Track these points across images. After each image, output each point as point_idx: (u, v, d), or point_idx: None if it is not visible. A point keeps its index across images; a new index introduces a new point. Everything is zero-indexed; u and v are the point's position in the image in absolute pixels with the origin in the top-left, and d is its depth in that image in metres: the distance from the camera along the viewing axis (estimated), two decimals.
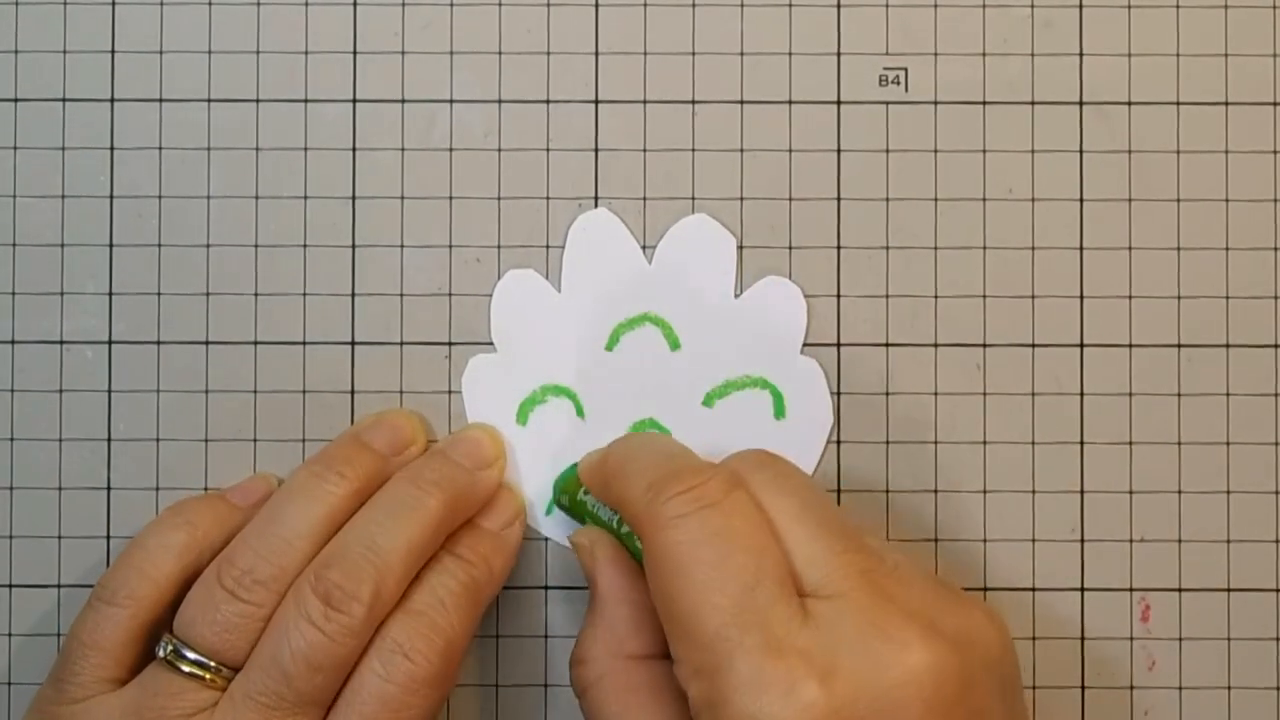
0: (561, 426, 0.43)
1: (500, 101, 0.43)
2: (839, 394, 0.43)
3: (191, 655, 0.38)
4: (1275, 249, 0.43)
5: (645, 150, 0.43)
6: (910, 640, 0.34)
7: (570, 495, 0.41)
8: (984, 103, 0.43)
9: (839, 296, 0.43)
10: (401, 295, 0.43)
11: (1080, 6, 0.43)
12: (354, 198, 0.43)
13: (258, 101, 0.43)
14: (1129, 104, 0.43)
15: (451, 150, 0.43)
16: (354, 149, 0.43)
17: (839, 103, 0.43)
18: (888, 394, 0.43)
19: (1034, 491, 0.42)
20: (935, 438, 0.43)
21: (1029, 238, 0.43)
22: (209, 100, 0.43)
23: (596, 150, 0.43)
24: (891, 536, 0.42)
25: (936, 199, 0.43)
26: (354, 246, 0.43)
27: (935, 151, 0.43)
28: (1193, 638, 0.42)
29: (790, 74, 0.43)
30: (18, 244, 0.43)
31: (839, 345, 0.43)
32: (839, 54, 0.43)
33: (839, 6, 0.43)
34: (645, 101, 0.43)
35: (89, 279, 0.43)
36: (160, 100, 0.43)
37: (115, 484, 0.43)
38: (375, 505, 0.39)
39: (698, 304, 0.43)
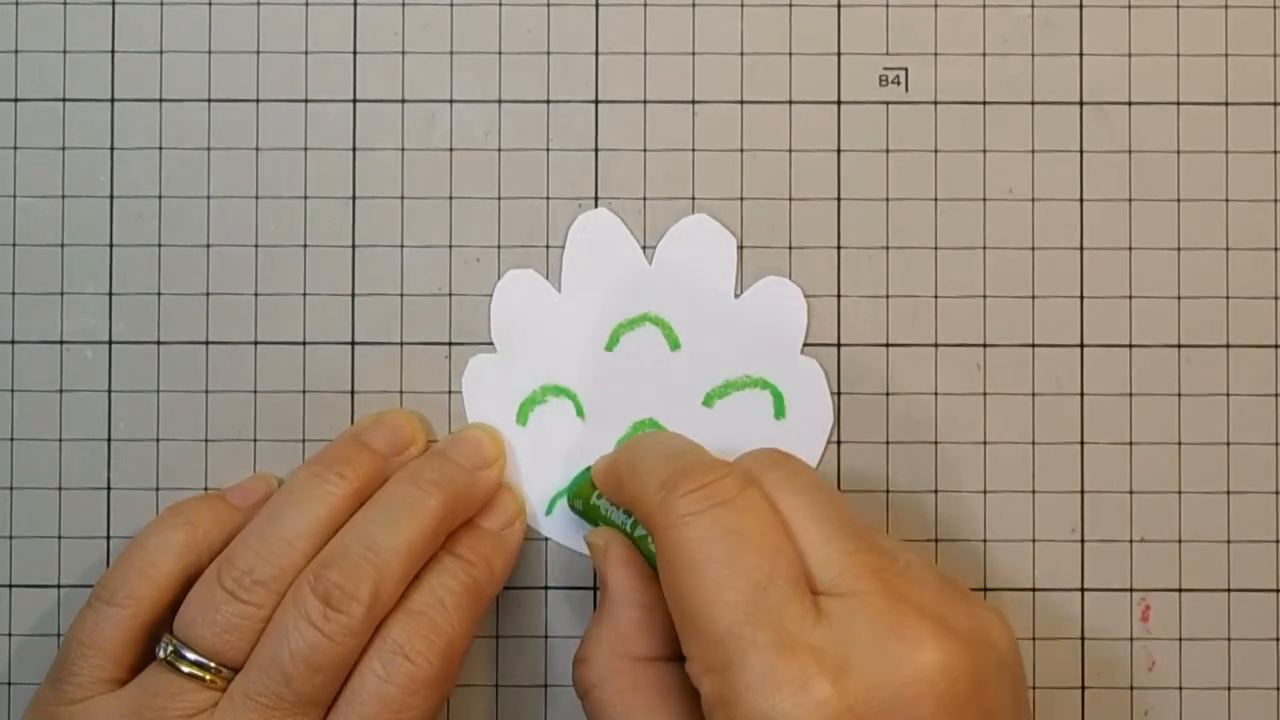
0: (561, 426, 0.43)
1: (500, 101, 0.43)
2: (839, 394, 0.43)
3: (191, 656, 0.38)
4: (1275, 249, 0.43)
5: (645, 150, 0.43)
6: (923, 639, 0.34)
7: (584, 499, 0.41)
8: (984, 103, 0.43)
9: (839, 296, 0.43)
10: (401, 295, 0.43)
11: (1080, 6, 0.43)
12: (354, 198, 0.43)
13: (258, 101, 0.43)
14: (1129, 104, 0.43)
15: (451, 150, 0.43)
16: (354, 149, 0.43)
17: (839, 103, 0.43)
18: (888, 394, 0.43)
19: (1034, 491, 0.42)
20: (935, 438, 0.43)
21: (1029, 238, 0.43)
22: (209, 100, 0.43)
23: (596, 150, 0.43)
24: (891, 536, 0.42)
25: (936, 199, 0.43)
26: (354, 246, 0.43)
27: (935, 151, 0.43)
28: (1193, 638, 0.42)
29: (790, 74, 0.43)
30: (18, 244, 0.43)
31: (839, 345, 0.43)
32: (839, 54, 0.43)
33: (839, 6, 0.43)
34: (645, 101, 0.43)
35: (89, 279, 0.43)
36: (160, 100, 0.43)
37: (115, 484, 0.43)
38: (375, 505, 0.39)
39: (698, 304, 0.43)
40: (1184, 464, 0.42)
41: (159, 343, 0.43)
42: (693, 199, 0.43)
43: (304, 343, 0.43)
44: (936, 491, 0.42)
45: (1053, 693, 0.42)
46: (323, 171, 0.43)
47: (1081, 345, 0.43)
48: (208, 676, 0.38)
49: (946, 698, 0.34)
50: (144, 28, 0.43)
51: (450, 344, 0.43)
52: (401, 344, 0.43)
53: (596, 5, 0.43)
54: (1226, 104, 0.43)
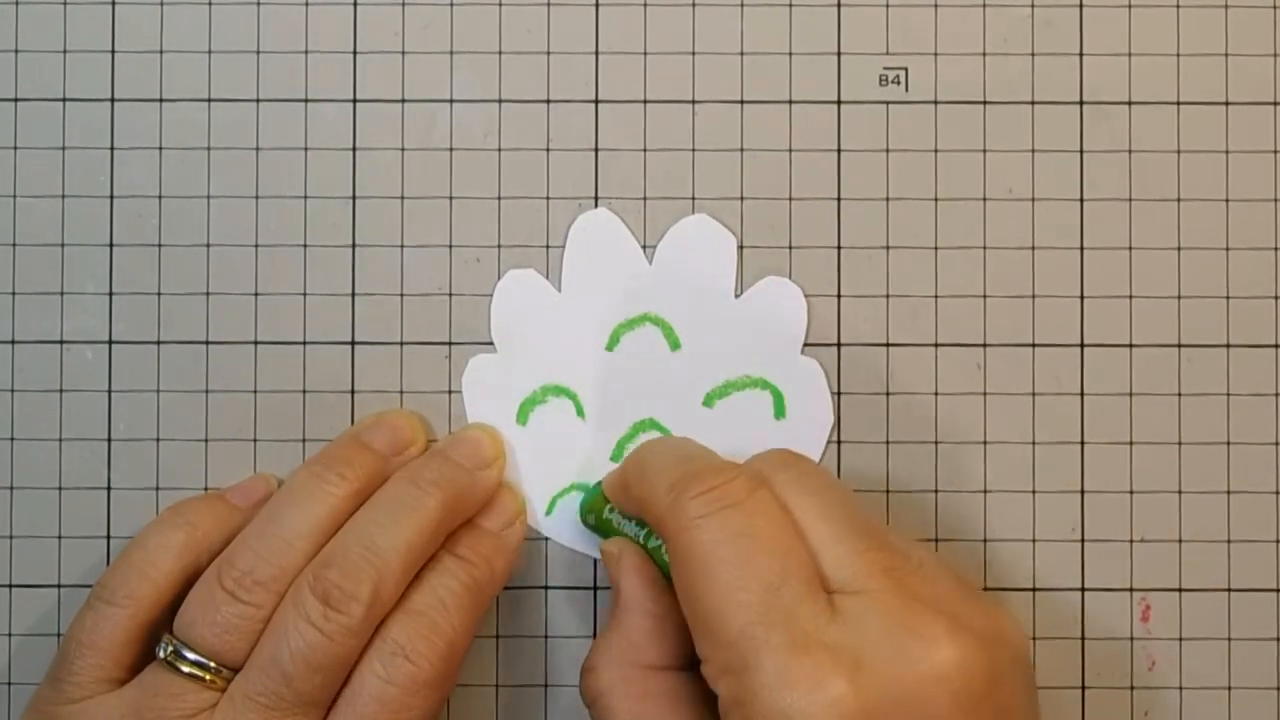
0: (561, 426, 0.43)
1: (500, 101, 0.43)
2: (839, 394, 0.43)
3: (192, 656, 0.38)
4: (1275, 249, 0.43)
5: (645, 150, 0.43)
6: (938, 636, 0.34)
7: (596, 514, 0.41)
8: (984, 103, 0.43)
9: (839, 296, 0.43)
10: (401, 295, 0.43)
11: (1080, 6, 0.43)
12: (354, 198, 0.43)
13: (258, 101, 0.43)
14: (1129, 104, 0.43)
15: (451, 150, 0.43)
16: (354, 149, 0.43)
17: (839, 103, 0.43)
18: (888, 394, 0.43)
19: (1034, 491, 0.42)
20: (935, 438, 0.43)
21: (1029, 238, 0.43)
22: (209, 100, 0.43)
23: (596, 150, 0.43)
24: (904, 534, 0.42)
25: (936, 199, 0.43)
26: (354, 246, 0.43)
27: (935, 151, 0.43)
28: (1193, 638, 0.42)
29: (790, 74, 0.43)
30: (18, 244, 0.43)
31: (839, 345, 0.43)
32: (839, 54, 0.43)
33: (839, 6, 0.43)
34: (645, 101, 0.43)
35: (89, 279, 0.43)
36: (160, 100, 0.43)
37: (115, 484, 0.43)
38: (374, 505, 0.39)
39: (698, 304, 0.43)
40: (1184, 464, 0.42)
41: (159, 343, 0.43)
42: (693, 199, 0.43)
43: (304, 343, 0.43)
44: (936, 491, 0.42)
45: (1053, 693, 0.42)
46: (323, 171, 0.43)
47: (1081, 345, 0.43)
48: (208, 676, 0.38)
49: (962, 695, 0.34)
50: (144, 28, 0.43)
51: (450, 344, 0.43)
52: (401, 344, 0.43)
53: (596, 5, 0.43)
54: (1226, 104, 0.43)
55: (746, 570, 0.35)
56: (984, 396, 0.43)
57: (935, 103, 0.43)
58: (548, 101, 0.43)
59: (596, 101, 0.43)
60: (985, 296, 0.43)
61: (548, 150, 0.43)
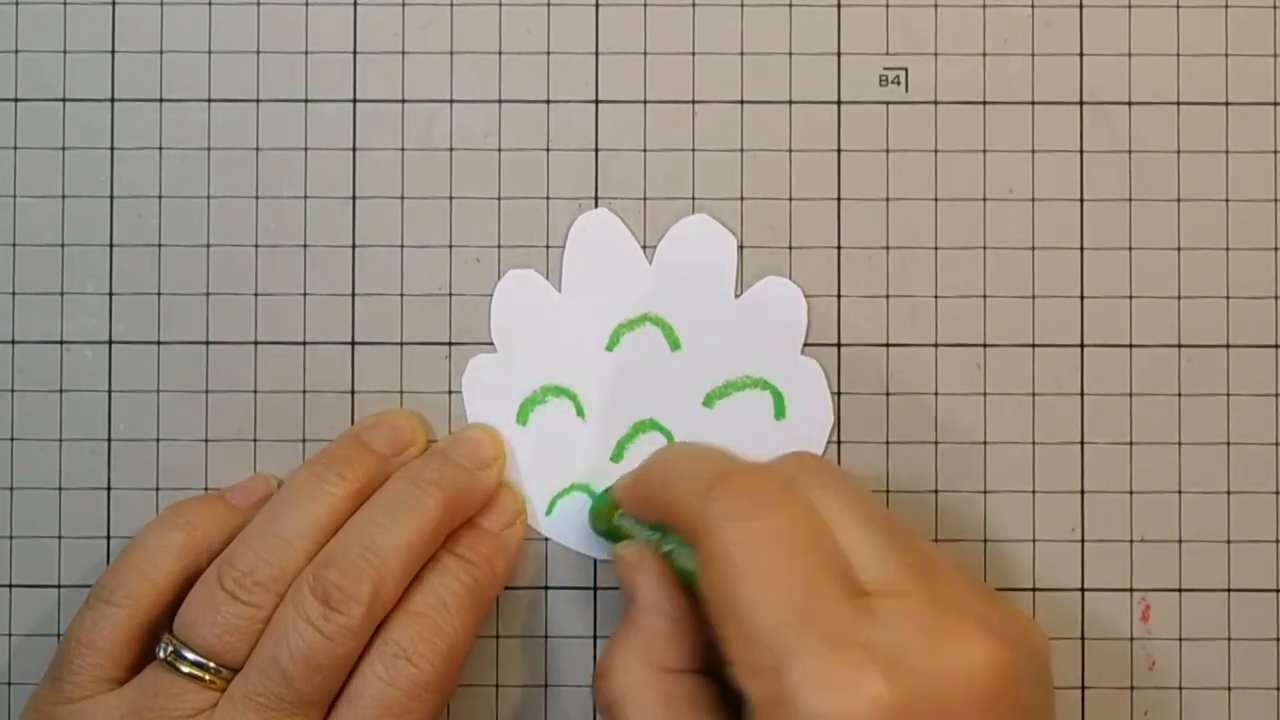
0: (561, 426, 0.43)
1: (500, 101, 0.43)
2: (839, 394, 0.43)
3: (191, 656, 0.38)
4: (1275, 249, 0.43)
5: (645, 150, 0.43)
6: (970, 637, 0.34)
7: (606, 520, 0.41)
8: (984, 103, 0.43)
9: (839, 296, 0.43)
10: (401, 295, 0.43)
11: (1080, 6, 0.43)
12: (354, 198, 0.43)
13: (258, 101, 0.43)
14: (1129, 104, 0.43)
15: (451, 150, 0.43)
16: (354, 149, 0.43)
17: (839, 103, 0.43)
18: (888, 394, 0.43)
19: (1034, 491, 0.42)
20: (935, 438, 0.43)
21: (1029, 238, 0.43)
22: (209, 100, 0.43)
23: (596, 150, 0.43)
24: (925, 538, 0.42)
25: (936, 199, 0.43)
26: (354, 246, 0.43)
27: (935, 151, 0.43)
28: (1193, 638, 0.42)
29: (790, 74, 0.43)
30: (18, 244, 0.43)
31: (839, 345, 0.43)
32: (839, 54, 0.43)
33: (839, 6, 0.43)
34: (645, 101, 0.43)
35: (89, 279, 0.43)
36: (160, 100, 0.43)
37: (115, 484, 0.43)
38: (374, 505, 0.39)
39: (698, 304, 0.43)
40: (1184, 464, 0.42)
41: (159, 343, 0.43)
42: (693, 199, 0.43)
43: (304, 343, 0.43)
44: (936, 491, 0.42)
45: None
46: (323, 171, 0.43)
47: (1081, 345, 0.43)
48: (207, 676, 0.38)
49: (993, 695, 0.34)
50: (144, 28, 0.43)
51: (450, 344, 0.43)
52: (401, 344, 0.43)
53: (596, 5, 0.43)
54: (1226, 104, 0.43)
55: (781, 571, 0.35)
56: (984, 396, 0.43)
57: (935, 103, 0.43)
58: (548, 101, 0.43)
59: (596, 101, 0.43)
60: (985, 296, 0.43)
61: (548, 150, 0.43)
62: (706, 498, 0.36)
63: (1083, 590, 0.42)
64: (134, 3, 0.43)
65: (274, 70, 0.43)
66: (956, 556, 0.42)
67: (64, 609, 0.42)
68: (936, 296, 0.43)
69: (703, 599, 0.37)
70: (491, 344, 0.43)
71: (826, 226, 0.43)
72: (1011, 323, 0.43)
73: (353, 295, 0.43)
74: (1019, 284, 0.43)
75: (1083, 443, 0.43)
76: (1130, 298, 0.43)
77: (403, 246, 0.43)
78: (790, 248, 0.43)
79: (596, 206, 0.43)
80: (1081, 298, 0.43)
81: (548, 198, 0.43)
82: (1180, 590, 0.42)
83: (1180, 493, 0.42)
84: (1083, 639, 0.42)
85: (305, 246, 0.43)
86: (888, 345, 0.43)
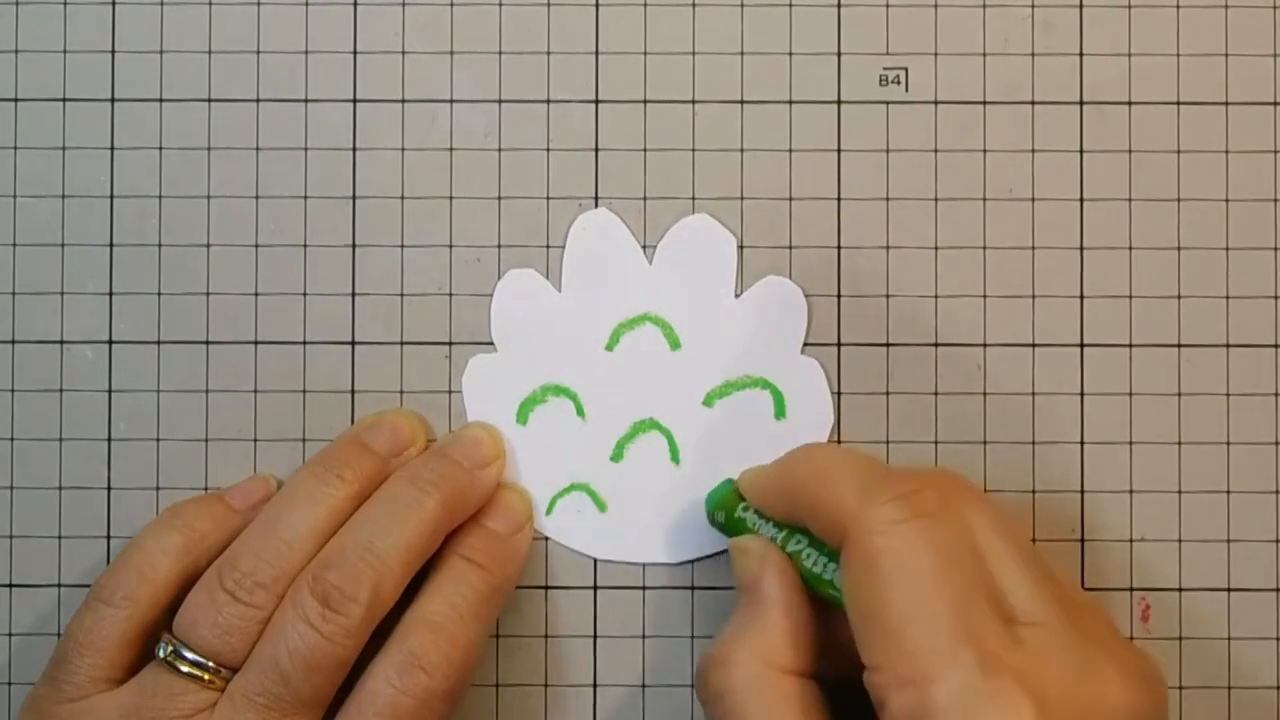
0: (561, 426, 0.43)
1: (500, 101, 0.43)
2: (839, 394, 0.43)
3: (191, 656, 0.38)
4: (1275, 249, 0.43)
5: (645, 150, 0.43)
6: (1113, 678, 0.34)
7: (727, 511, 0.41)
8: (984, 103, 0.43)
9: (839, 296, 0.43)
10: (401, 295, 0.43)
11: (1080, 6, 0.43)
12: (354, 198, 0.43)
13: (258, 101, 0.43)
14: (1129, 104, 0.43)
15: (451, 150, 0.43)
16: (354, 149, 0.43)
17: (839, 103, 0.43)
18: (888, 394, 0.43)
19: (1034, 491, 0.42)
20: (935, 438, 0.43)
21: (1029, 238, 0.43)
22: (209, 100, 0.43)
23: (596, 150, 0.43)
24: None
25: (936, 199, 0.43)
26: (354, 246, 0.43)
27: (935, 151, 0.43)
28: (1193, 638, 0.42)
29: (790, 74, 0.43)
30: (18, 244, 0.43)
31: (839, 345, 0.43)
32: (839, 54, 0.43)
33: (839, 6, 0.43)
34: (645, 101, 0.43)
35: (89, 279, 0.43)
36: (160, 100, 0.43)
37: (115, 484, 0.43)
38: (373, 506, 0.39)
39: (698, 304, 0.43)
40: (1184, 464, 0.42)
41: (159, 343, 0.43)
42: (693, 199, 0.43)
43: (304, 343, 0.43)
44: None
45: None
46: (323, 171, 0.43)
47: (1081, 345, 0.43)
48: (207, 676, 0.38)
49: None
50: (144, 28, 0.43)
51: (450, 344, 0.43)
52: (401, 344, 0.43)
53: (596, 5, 0.43)
54: (1226, 104, 0.43)
55: (938, 583, 0.34)
56: (984, 396, 0.43)
57: (935, 103, 0.43)
58: (548, 101, 0.43)
59: (596, 101, 0.43)
60: (985, 296, 0.43)
61: (548, 150, 0.43)
62: (862, 499, 0.36)
63: (1082, 590, 0.42)
64: (134, 3, 0.43)
65: (274, 70, 0.43)
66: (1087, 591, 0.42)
67: (64, 609, 0.42)
68: (936, 296, 0.43)
69: (827, 604, 0.37)
70: (491, 344, 0.43)
71: (826, 226, 0.43)
72: (1011, 323, 0.43)
73: (353, 295, 0.43)
74: (1019, 284, 0.43)
75: (1082, 443, 0.43)
76: (1130, 298, 0.43)
77: (403, 246, 0.43)
78: (790, 248, 0.43)
79: (596, 206, 0.43)
80: (1081, 298, 0.43)
81: (548, 198, 0.43)
82: (1180, 590, 0.42)
83: (1180, 493, 0.42)
84: None
85: (305, 246, 0.43)
86: (888, 345, 0.43)
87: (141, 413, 0.43)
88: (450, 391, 0.43)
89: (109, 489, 0.43)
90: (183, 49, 0.43)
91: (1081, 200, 0.43)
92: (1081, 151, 0.43)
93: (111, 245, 0.43)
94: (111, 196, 0.43)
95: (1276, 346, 0.43)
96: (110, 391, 0.43)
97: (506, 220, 0.43)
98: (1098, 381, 0.43)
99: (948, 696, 0.33)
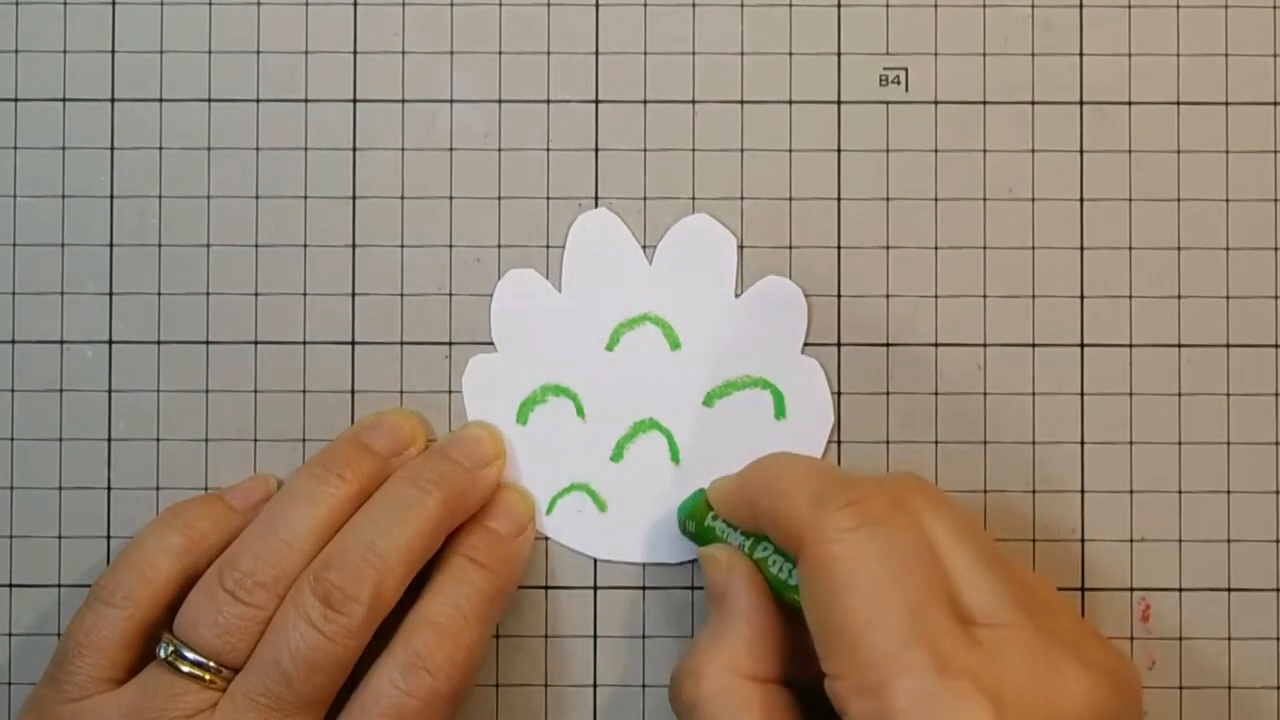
0: (561, 426, 0.43)
1: (500, 101, 0.43)
2: (839, 394, 0.43)
3: (192, 656, 0.38)
4: (1275, 249, 0.43)
5: (645, 150, 0.43)
6: (1076, 675, 0.34)
7: (697, 521, 0.41)
8: (984, 103, 0.43)
9: (839, 296, 0.43)
10: (401, 295, 0.43)
11: (1080, 6, 0.43)
12: (354, 198, 0.43)
13: (258, 101, 0.43)
14: (1129, 104, 0.43)
15: (451, 150, 0.43)
16: (354, 149, 0.43)
17: (839, 103, 0.43)
18: (888, 394, 0.43)
19: (1034, 491, 0.42)
20: (936, 438, 0.43)
21: (1029, 238, 0.43)
22: (209, 100, 0.43)
23: (596, 150, 0.43)
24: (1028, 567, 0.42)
25: (936, 199, 0.43)
26: (354, 246, 0.43)
27: (935, 151, 0.43)
28: (1193, 637, 0.42)
29: (790, 74, 0.43)
30: (18, 244, 0.43)
31: (839, 345, 0.43)
32: (839, 54, 0.43)
33: (839, 6, 0.43)
34: (645, 101, 0.43)
35: (89, 279, 0.43)
36: (160, 100, 0.43)
37: (115, 484, 0.43)
38: (374, 505, 0.39)
39: (698, 304, 0.43)
40: (1184, 464, 0.42)
41: (159, 343, 0.43)
42: (693, 199, 0.43)
43: (304, 343, 0.43)
44: None
45: None
46: (323, 171, 0.43)
47: (1081, 345, 0.43)
48: (208, 676, 0.38)
49: None
50: (144, 28, 0.43)
51: (450, 344, 0.43)
52: (401, 344, 0.43)
53: (596, 5, 0.43)
54: (1226, 104, 0.43)
55: (892, 588, 0.34)
56: (984, 396, 0.43)
57: (935, 103, 0.43)
58: (548, 101, 0.43)
59: (596, 101, 0.43)
60: (985, 296, 0.43)
61: (548, 150, 0.43)
62: (815, 508, 0.36)
63: (1083, 590, 0.42)
64: (134, 3, 0.43)
65: (274, 70, 0.43)
66: (1055, 589, 0.41)
67: (64, 609, 0.42)
68: (936, 296, 0.43)
69: (795, 609, 0.37)
70: (491, 344, 0.43)
71: (826, 226, 0.43)
72: (1011, 323, 0.43)
73: (353, 295, 0.43)
74: (1019, 284, 0.43)
75: (1082, 443, 0.43)
76: (1130, 297, 0.43)
77: (403, 246, 0.43)
78: (790, 248, 0.43)
79: (596, 206, 0.43)
80: (1081, 298, 0.43)
81: (548, 198, 0.43)
82: (1180, 590, 0.42)
83: (1180, 493, 0.42)
84: None
85: (305, 246, 0.43)
86: (888, 345, 0.43)
87: (141, 413, 0.43)
88: (450, 391, 0.43)
89: (109, 489, 0.43)
90: (183, 49, 0.43)
91: (1081, 200, 0.43)
92: (1081, 151, 0.43)
93: (111, 245, 0.43)
94: (111, 196, 0.43)
95: (1276, 346, 0.43)
96: (110, 391, 0.43)
97: (506, 220, 0.43)
98: (1098, 381, 0.43)
99: (904, 700, 0.33)
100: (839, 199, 0.43)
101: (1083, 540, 0.42)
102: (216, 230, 0.43)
